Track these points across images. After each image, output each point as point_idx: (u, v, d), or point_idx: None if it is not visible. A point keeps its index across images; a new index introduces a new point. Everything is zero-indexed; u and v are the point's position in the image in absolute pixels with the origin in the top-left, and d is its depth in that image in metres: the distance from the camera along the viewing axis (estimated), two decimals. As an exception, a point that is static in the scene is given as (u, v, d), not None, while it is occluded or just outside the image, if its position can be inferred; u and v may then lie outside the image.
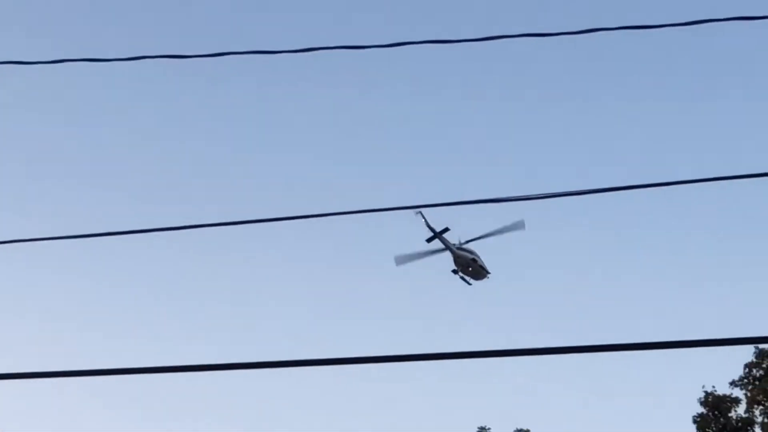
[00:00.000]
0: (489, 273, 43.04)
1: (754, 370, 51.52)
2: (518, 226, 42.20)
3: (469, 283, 43.26)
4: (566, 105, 79.37)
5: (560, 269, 75.04)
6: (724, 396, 51.75)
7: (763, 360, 51.23)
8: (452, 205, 9.27)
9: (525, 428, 52.23)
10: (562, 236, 74.11)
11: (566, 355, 8.25)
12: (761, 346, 50.89)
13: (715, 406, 51.62)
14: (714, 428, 51.62)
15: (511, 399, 72.96)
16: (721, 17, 8.71)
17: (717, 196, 71.65)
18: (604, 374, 70.48)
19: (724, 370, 67.73)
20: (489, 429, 52.77)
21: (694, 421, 51.70)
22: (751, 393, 50.99)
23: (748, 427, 51.35)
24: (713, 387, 52.07)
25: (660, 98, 78.84)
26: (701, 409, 51.84)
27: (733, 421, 51.37)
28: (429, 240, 41.56)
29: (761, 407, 50.80)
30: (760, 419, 50.99)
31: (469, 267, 42.62)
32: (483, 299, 73.49)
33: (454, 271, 42.98)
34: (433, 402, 72.43)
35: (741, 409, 51.46)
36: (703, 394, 51.91)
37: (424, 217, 40.45)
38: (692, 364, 68.09)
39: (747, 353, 51.88)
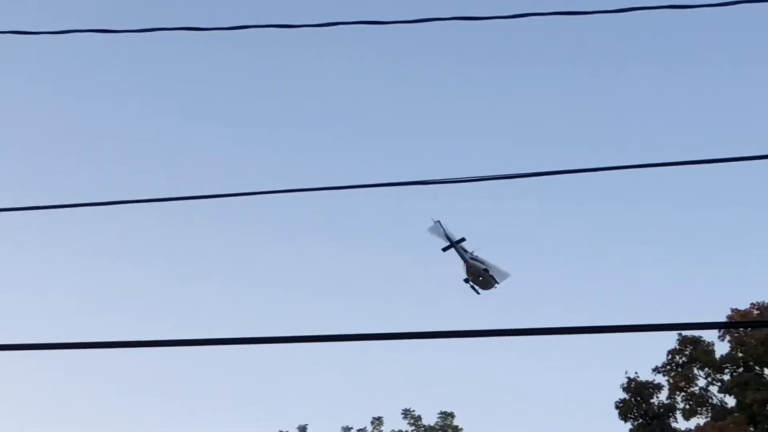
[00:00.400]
0: (498, 283, 43.48)
1: (677, 357, 52.03)
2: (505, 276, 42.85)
3: (478, 293, 43.73)
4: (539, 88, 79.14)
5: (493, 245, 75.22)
6: (647, 382, 52.24)
7: (685, 347, 51.77)
8: (440, 183, 9.23)
9: (449, 411, 52.47)
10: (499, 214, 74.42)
11: (489, 338, 8.26)
12: (684, 333, 51.45)
13: (637, 392, 52.10)
14: (636, 414, 52.12)
15: (435, 381, 73.19)
16: (653, 5, 8.76)
17: (638, 181, 72.29)
18: (528, 357, 70.95)
19: (647, 356, 68.39)
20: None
21: (617, 407, 52.14)
22: (673, 379, 51.50)
23: (670, 414, 51.89)
24: (636, 373, 52.58)
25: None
26: (624, 395, 52.30)
27: (655, 407, 51.88)
28: (445, 249, 41.77)
29: (683, 394, 51.35)
30: (681, 406, 51.53)
31: (480, 277, 43.01)
32: (406, 278, 73.81)
33: (465, 280, 43.41)
34: (357, 383, 72.49)
35: (663, 396, 52.02)
36: (625, 380, 52.36)
37: (442, 227, 40.80)
38: (616, 350, 68.79)
39: (670, 340, 52.47)
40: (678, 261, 76.30)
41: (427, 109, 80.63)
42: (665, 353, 52.11)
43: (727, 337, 50.66)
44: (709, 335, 53.63)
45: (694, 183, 73.08)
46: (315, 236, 77.12)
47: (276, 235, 76.61)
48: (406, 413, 51.71)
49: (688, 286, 73.87)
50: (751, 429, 45.77)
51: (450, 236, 40.92)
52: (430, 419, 51.87)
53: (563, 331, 8.93)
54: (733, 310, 48.33)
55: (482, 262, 43.42)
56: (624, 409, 52.06)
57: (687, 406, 51.23)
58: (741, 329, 50.50)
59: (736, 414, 47.51)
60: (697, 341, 51.59)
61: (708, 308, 67.63)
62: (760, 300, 49.19)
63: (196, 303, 74.07)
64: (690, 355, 51.74)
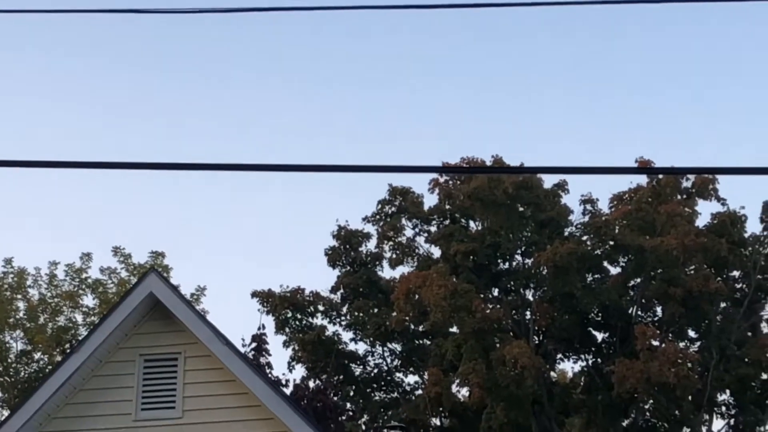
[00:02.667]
0: None
1: (387, 207, 53.11)
2: None
3: None
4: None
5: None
6: (356, 231, 53.19)
7: (395, 197, 52.86)
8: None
9: (160, 251, 52.02)
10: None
11: (201, 172, 8.02)
12: (395, 184, 52.61)
13: (346, 240, 53.02)
14: (344, 261, 53.13)
15: (146, 222, 72.66)
16: None
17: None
18: (240, 197, 71.32)
19: (358, 206, 69.29)
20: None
21: (326, 254, 53.00)
22: (382, 229, 52.61)
23: (377, 262, 53.14)
24: (347, 221, 53.42)
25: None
26: (334, 243, 53.16)
27: (363, 256, 53.00)
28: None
29: (390, 243, 52.59)
30: (388, 255, 52.82)
31: None
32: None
33: None
34: (65, 217, 71.20)
35: (371, 245, 53.13)
36: (336, 228, 53.17)
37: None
38: (328, 199, 69.85)
39: (381, 191, 53.49)
40: (393, 116, 77.19)
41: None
42: (375, 203, 53.12)
43: (436, 190, 51.96)
44: (419, 187, 55.01)
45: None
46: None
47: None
48: (116, 251, 50.97)
49: (402, 138, 75.00)
50: (454, 279, 47.33)
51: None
52: (140, 258, 51.36)
53: (270, 168, 8.79)
54: (444, 163, 49.42)
55: None
56: (333, 256, 52.97)
57: (394, 256, 52.52)
58: (450, 182, 51.87)
59: (440, 264, 48.98)
60: (406, 192, 52.75)
61: (420, 161, 68.97)
62: (470, 155, 50.46)
63: None
64: (399, 205, 52.89)
